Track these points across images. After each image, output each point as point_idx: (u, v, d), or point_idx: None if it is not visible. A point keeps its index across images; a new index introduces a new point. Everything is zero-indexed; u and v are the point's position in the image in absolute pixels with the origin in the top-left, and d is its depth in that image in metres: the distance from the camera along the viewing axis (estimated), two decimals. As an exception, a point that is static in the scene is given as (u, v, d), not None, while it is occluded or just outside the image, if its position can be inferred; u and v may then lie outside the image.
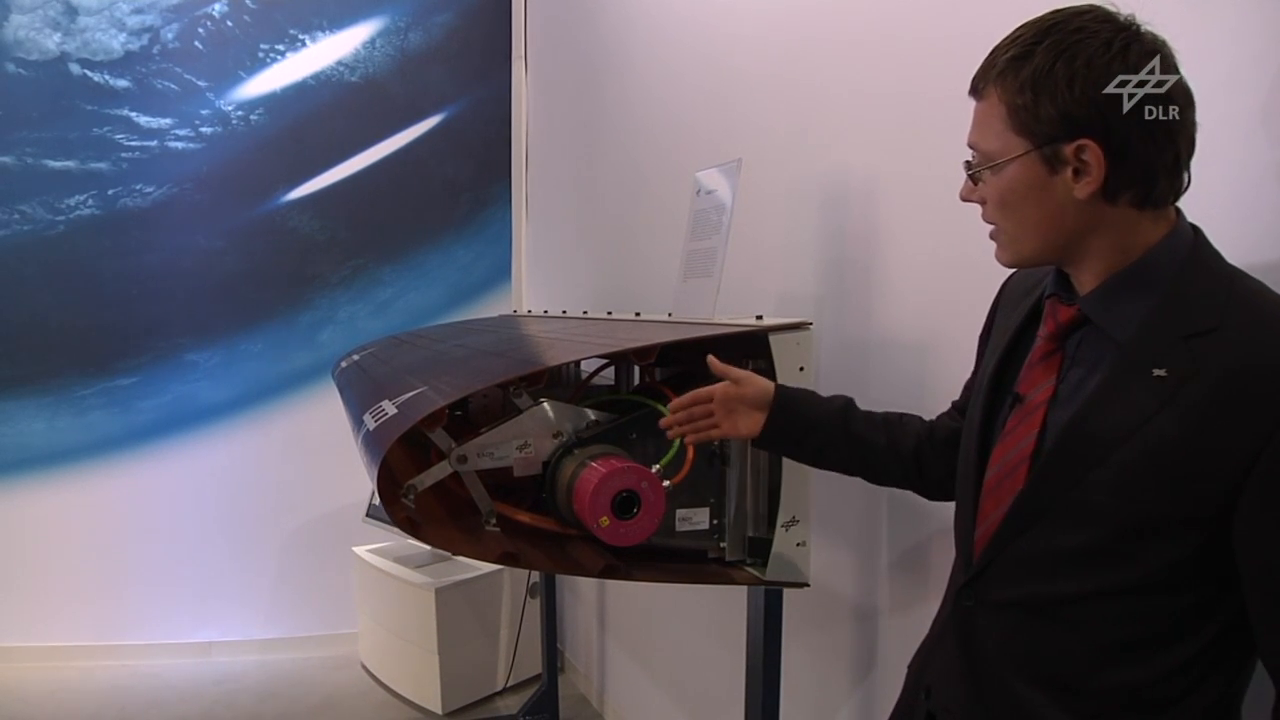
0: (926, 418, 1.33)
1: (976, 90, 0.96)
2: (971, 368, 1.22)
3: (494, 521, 1.42)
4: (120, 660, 3.87)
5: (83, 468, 3.89)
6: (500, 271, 4.24)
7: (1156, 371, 0.86)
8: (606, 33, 3.16)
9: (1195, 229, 0.93)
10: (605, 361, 1.83)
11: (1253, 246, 1.03)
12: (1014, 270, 1.17)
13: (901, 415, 1.32)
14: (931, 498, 1.32)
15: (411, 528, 1.35)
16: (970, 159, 0.99)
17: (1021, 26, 0.93)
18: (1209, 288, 0.88)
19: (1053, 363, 0.99)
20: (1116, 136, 0.87)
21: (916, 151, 1.61)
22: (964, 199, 1.01)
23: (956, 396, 1.30)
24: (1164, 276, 0.90)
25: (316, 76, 3.95)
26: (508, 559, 1.39)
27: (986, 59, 0.95)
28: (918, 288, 1.64)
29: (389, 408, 1.47)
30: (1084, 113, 0.87)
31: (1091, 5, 0.91)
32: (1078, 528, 0.91)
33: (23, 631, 3.87)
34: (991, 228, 1.00)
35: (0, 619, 3.86)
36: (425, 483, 1.36)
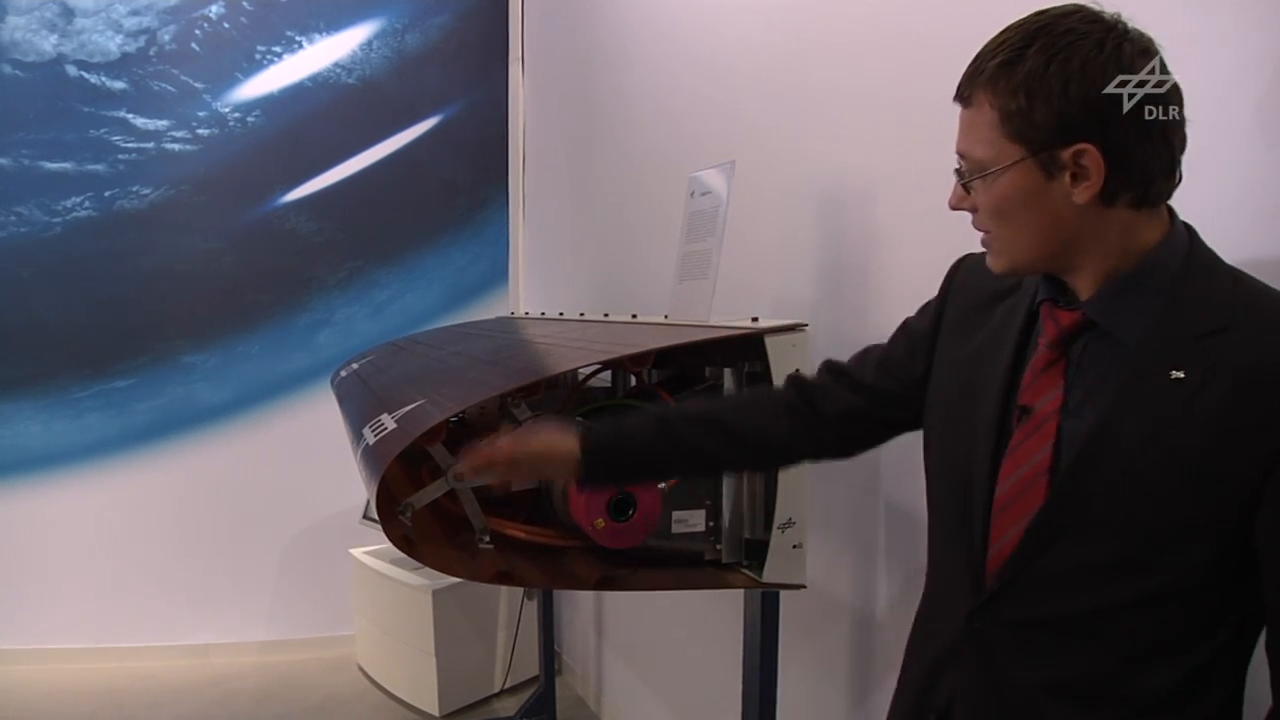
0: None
1: (963, 97, 0.94)
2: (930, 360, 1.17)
3: (488, 539, 1.41)
4: (117, 662, 3.86)
5: (79, 470, 3.89)
6: (497, 273, 4.24)
7: (1175, 374, 0.85)
8: (603, 34, 3.16)
9: (1189, 227, 0.93)
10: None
11: (1249, 247, 1.04)
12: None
13: (753, 397, 1.28)
14: (834, 458, 1.28)
15: (407, 546, 1.35)
16: (959, 166, 0.96)
17: (1006, 30, 0.91)
18: (1213, 287, 0.88)
19: (1057, 371, 0.96)
20: (1115, 139, 0.85)
21: (913, 154, 1.60)
22: (954, 207, 0.98)
23: (889, 347, 1.24)
24: (1167, 277, 0.89)
25: (313, 78, 3.95)
26: (502, 578, 1.38)
27: (972, 64, 0.92)
28: (913, 290, 1.63)
29: (388, 422, 1.46)
30: (1081, 116, 0.85)
31: (1077, 5, 0.89)
32: (1105, 540, 0.89)
33: (20, 634, 3.86)
34: (983, 234, 0.98)
35: (-3, 621, 3.86)
36: (422, 500, 1.36)
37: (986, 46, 0.92)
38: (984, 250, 1.03)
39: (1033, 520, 0.94)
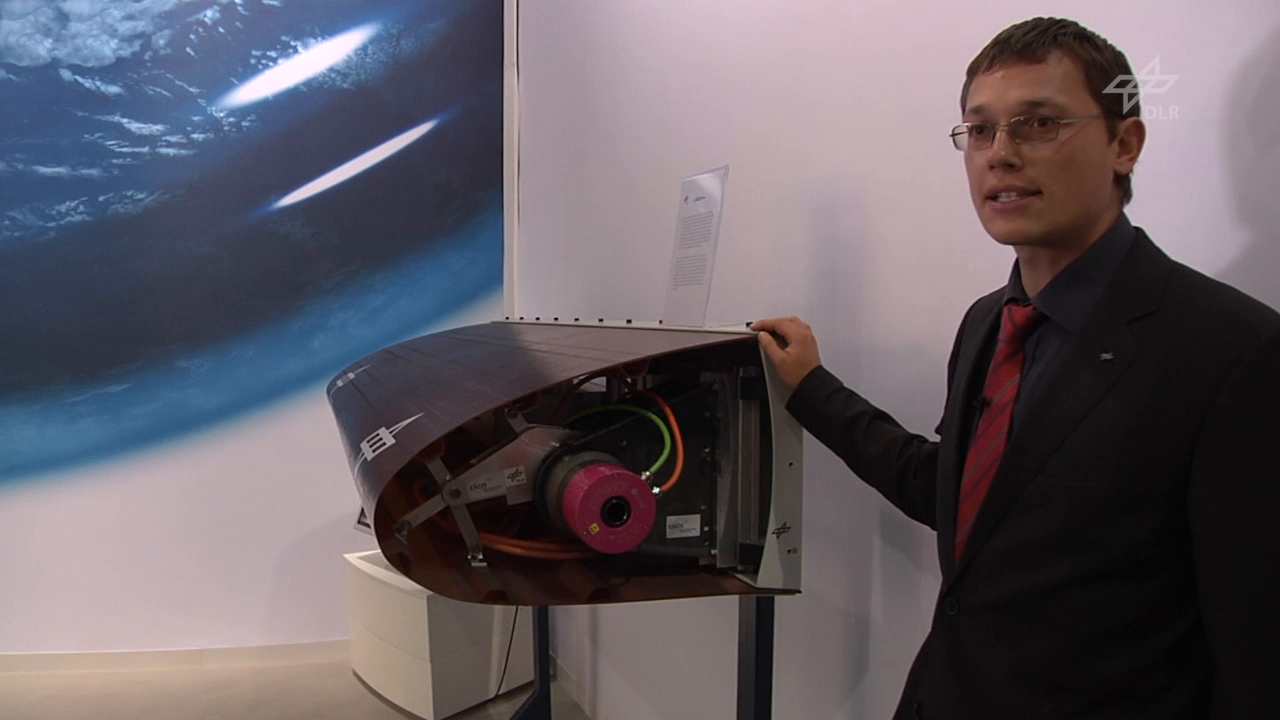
0: (918, 425, 1.33)
1: (1031, 51, 0.93)
2: None
3: (480, 556, 1.41)
4: (112, 668, 3.86)
5: (73, 475, 3.88)
6: (492, 278, 4.24)
7: (1104, 355, 0.90)
8: (598, 40, 3.16)
9: (1138, 228, 0.98)
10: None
11: (1240, 250, 1.04)
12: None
13: (908, 438, 1.36)
14: (913, 517, 1.37)
15: (403, 564, 1.34)
16: (1020, 117, 0.93)
17: (1033, 19, 0.96)
18: (1149, 275, 0.93)
19: (1015, 363, 1.03)
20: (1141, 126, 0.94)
21: (906, 159, 1.61)
22: (1004, 159, 0.94)
23: (945, 403, 1.31)
24: (1109, 268, 0.95)
25: (309, 83, 3.96)
26: (495, 598, 1.38)
27: (1028, 32, 0.94)
28: (907, 294, 1.64)
29: (386, 437, 1.46)
30: (1131, 94, 0.93)
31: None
32: (1043, 516, 0.94)
33: (14, 640, 3.85)
34: (1012, 199, 0.95)
35: (-10, 627, 3.85)
36: (419, 518, 1.35)
37: (1020, 27, 0.96)
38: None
39: (982, 502, 1.00)
